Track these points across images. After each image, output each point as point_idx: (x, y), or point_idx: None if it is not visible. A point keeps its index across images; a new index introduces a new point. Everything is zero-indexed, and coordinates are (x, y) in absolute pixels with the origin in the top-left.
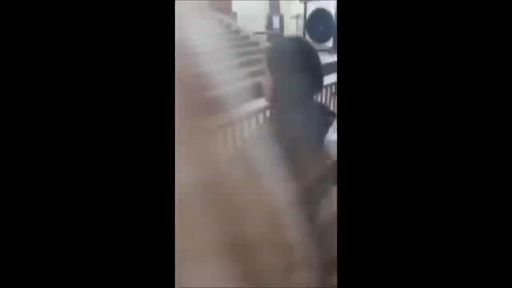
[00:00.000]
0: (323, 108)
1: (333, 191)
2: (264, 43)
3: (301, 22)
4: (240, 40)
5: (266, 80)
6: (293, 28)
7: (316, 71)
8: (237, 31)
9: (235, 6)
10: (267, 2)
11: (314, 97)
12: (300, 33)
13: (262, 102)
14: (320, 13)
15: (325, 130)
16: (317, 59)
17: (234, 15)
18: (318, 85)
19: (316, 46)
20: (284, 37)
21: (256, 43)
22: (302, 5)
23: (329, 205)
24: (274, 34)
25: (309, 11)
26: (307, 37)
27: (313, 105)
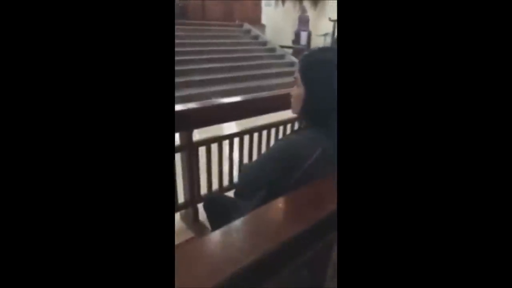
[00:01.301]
0: None
1: None
2: (290, 57)
3: (328, 40)
4: (267, 52)
5: (296, 91)
6: (320, 45)
7: None
8: (263, 43)
9: (265, 18)
10: (297, 17)
11: None
12: None
13: (285, 114)
14: None
15: None
16: None
17: (262, 27)
18: None
19: None
20: (318, 47)
21: (282, 56)
22: (331, 24)
23: None
24: (301, 49)
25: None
26: None
27: None
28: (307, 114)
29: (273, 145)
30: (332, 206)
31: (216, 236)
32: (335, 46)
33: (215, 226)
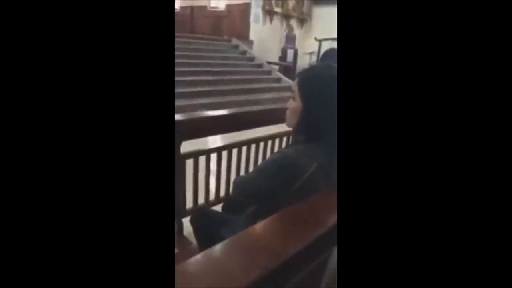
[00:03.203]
0: None
1: None
2: (276, 74)
3: (314, 58)
4: (254, 67)
5: (293, 105)
6: (306, 63)
7: None
8: (251, 58)
9: (253, 35)
10: (284, 35)
11: None
12: None
13: (274, 129)
14: (333, 52)
15: None
16: None
17: (250, 43)
18: None
19: None
20: (316, 64)
21: (268, 72)
22: (317, 44)
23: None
24: (287, 66)
25: (323, 50)
26: None
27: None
28: (303, 128)
29: (268, 159)
30: (329, 222)
31: (214, 252)
32: (334, 64)
33: (202, 240)
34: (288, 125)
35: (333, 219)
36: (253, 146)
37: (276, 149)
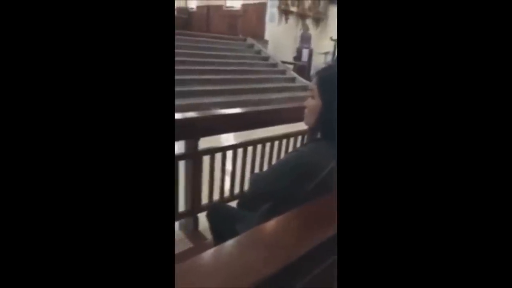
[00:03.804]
0: None
1: None
2: (291, 73)
3: (329, 58)
4: (268, 67)
5: (312, 103)
6: (321, 63)
7: None
8: (266, 58)
9: (268, 34)
10: (299, 35)
11: None
12: None
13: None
14: None
15: None
16: None
17: (265, 43)
18: None
19: None
20: (335, 63)
21: (283, 72)
22: (332, 43)
23: None
24: (301, 66)
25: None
26: None
27: None
28: (322, 126)
29: (284, 157)
30: None
31: (227, 247)
32: None
33: (217, 235)
34: (307, 123)
35: None
36: (267, 145)
37: (291, 148)
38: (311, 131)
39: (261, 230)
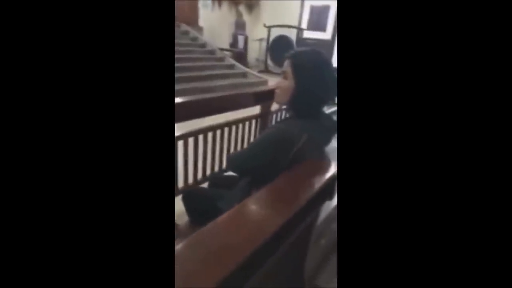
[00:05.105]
0: (329, 117)
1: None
2: (229, 60)
3: (264, 45)
4: (206, 54)
5: (285, 84)
6: (256, 49)
7: (333, 84)
8: (202, 45)
9: (202, 20)
10: (233, 21)
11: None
12: (262, 55)
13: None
14: (282, 39)
15: (330, 138)
16: (334, 72)
17: (200, 29)
18: (332, 96)
19: (275, 69)
20: (307, 48)
21: (221, 59)
22: (266, 30)
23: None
24: (238, 52)
25: (272, 37)
26: (268, 60)
27: (323, 113)
28: (295, 105)
29: (262, 133)
30: (316, 185)
31: (213, 226)
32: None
33: (196, 216)
34: (278, 102)
35: (320, 182)
36: (218, 132)
37: (246, 133)
38: (286, 110)
39: (244, 207)
